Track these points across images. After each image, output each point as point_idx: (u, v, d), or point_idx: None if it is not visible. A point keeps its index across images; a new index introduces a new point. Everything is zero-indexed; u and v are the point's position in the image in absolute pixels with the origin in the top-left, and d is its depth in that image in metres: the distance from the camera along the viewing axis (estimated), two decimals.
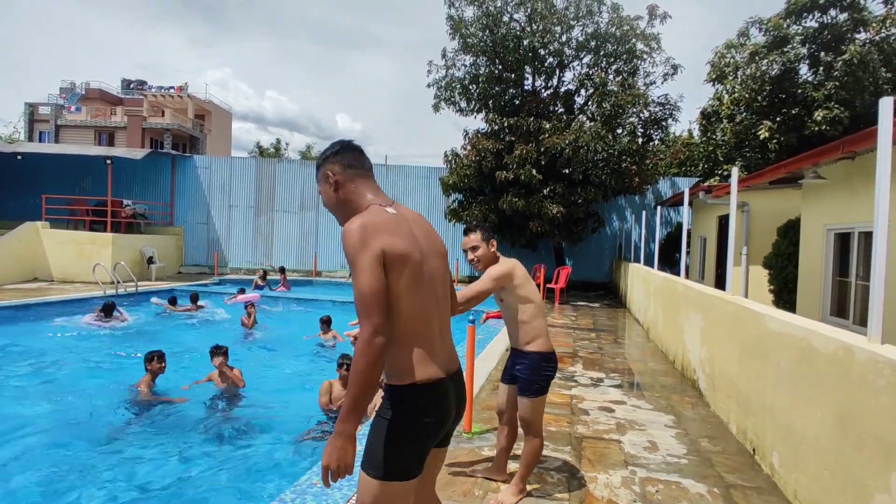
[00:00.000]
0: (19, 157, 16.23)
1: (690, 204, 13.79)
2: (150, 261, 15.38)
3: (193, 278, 15.91)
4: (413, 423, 1.68)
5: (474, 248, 3.03)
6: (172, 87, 41.47)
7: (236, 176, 18.34)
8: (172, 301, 10.70)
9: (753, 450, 3.84)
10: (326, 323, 8.51)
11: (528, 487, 3.19)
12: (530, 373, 3.00)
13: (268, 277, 14.06)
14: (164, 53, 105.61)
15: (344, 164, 1.84)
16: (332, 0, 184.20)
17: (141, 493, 3.72)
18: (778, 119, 14.16)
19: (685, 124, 41.22)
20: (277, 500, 2.88)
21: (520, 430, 3.18)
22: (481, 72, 14.62)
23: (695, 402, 5.21)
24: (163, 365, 5.63)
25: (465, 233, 3.11)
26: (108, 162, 15.11)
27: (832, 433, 2.71)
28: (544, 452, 3.76)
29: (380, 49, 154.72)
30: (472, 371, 4.21)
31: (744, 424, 4.09)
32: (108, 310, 9.13)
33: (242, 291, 12.19)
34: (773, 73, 13.90)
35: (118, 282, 12.14)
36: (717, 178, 16.76)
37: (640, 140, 14.37)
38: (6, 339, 7.98)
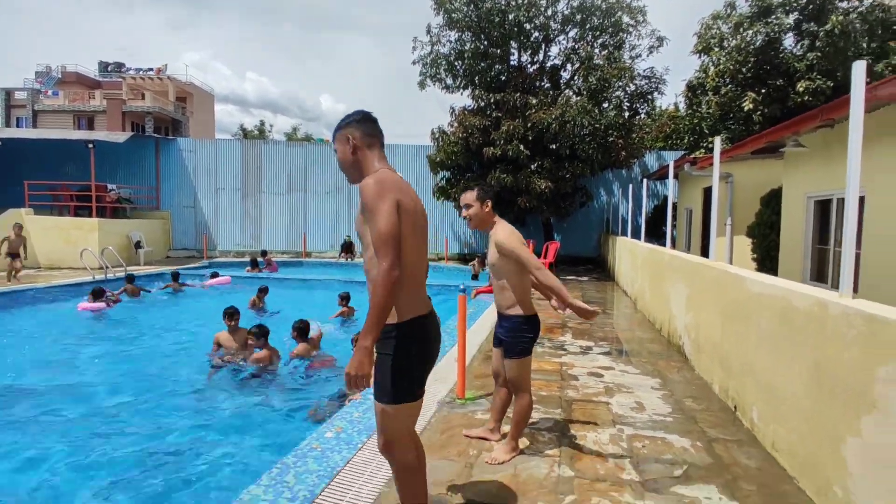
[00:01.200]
0: None
1: (676, 176, 13.94)
2: (138, 245, 15.27)
3: (182, 262, 15.84)
4: (413, 350, 2.03)
5: (468, 206, 3.16)
6: (151, 69, 40.59)
7: (222, 158, 18.15)
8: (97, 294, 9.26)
9: (735, 407, 4.02)
10: (345, 299, 8.71)
11: (521, 446, 3.33)
12: (512, 335, 3.13)
13: (258, 261, 14.02)
14: (142, 35, 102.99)
15: (364, 131, 2.14)
16: None
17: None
18: (762, 91, 14.26)
19: (671, 97, 41.18)
20: (279, 464, 2.98)
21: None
22: (466, 48, 14.49)
23: (680, 366, 5.39)
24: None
25: (463, 189, 3.25)
26: (90, 146, 14.87)
27: (809, 386, 2.86)
28: (536, 415, 3.91)
29: (362, 30, 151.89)
30: (463, 341, 4.32)
31: (726, 384, 4.26)
32: (97, 294, 9.11)
33: (215, 275, 12.26)
34: (758, 43, 13.96)
35: (107, 267, 12.07)
36: (703, 150, 16.91)
37: (626, 114, 14.40)
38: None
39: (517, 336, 3.12)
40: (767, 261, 8.45)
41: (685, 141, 18.98)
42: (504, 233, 3.10)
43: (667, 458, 3.24)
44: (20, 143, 16.84)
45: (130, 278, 10.66)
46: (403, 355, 2.01)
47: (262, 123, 57.42)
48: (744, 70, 14.34)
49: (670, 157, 15.98)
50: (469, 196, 3.16)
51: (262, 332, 5.92)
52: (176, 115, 38.07)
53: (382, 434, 2.10)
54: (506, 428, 3.42)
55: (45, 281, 11.43)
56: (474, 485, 2.89)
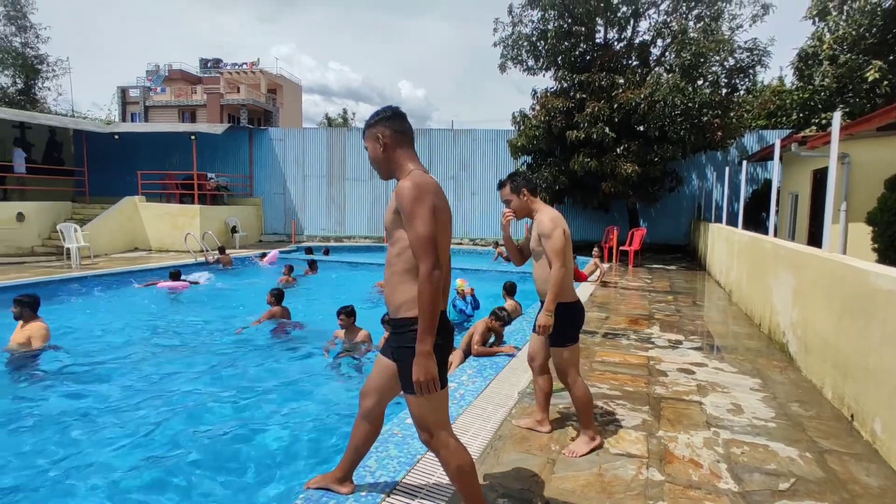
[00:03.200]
0: (116, 137, 17.56)
1: (781, 158, 12.78)
2: (234, 230, 16.36)
3: (273, 246, 16.77)
4: (437, 343, 2.04)
5: (508, 202, 3.23)
6: (245, 64, 43.02)
7: (309, 147, 18.91)
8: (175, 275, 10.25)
9: (851, 416, 3.60)
10: None
11: (606, 444, 3.19)
12: (555, 323, 3.04)
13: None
14: (235, 32, 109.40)
15: (394, 129, 2.18)
16: None
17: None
18: (891, 58, 12.61)
19: (776, 70, 37.59)
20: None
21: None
22: (550, 27, 13.99)
23: (784, 366, 4.93)
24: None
25: (498, 187, 3.27)
26: (193, 137, 16.03)
27: None
28: (621, 411, 3.73)
29: (440, 13, 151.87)
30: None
31: (841, 389, 3.83)
32: (175, 275, 9.87)
33: (265, 255, 13.67)
34: (888, 5, 12.30)
35: (207, 249, 13.03)
36: (814, 128, 15.32)
37: (723, 91, 13.32)
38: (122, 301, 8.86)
39: (559, 324, 3.05)
40: (892, 251, 7.51)
41: (793, 118, 17.30)
42: (546, 216, 3.11)
43: (770, 469, 2.96)
44: (134, 136, 18.50)
45: (222, 249, 12.65)
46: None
47: (345, 112, 59.29)
48: (868, 35, 12.74)
49: (773, 137, 14.62)
50: (505, 192, 3.23)
51: (352, 311, 6.00)
52: (268, 106, 40.21)
53: (422, 428, 2.17)
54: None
55: (156, 262, 12.56)
56: (558, 481, 2.79)
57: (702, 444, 3.26)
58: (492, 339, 5.45)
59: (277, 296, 7.14)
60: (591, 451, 3.09)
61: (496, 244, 14.75)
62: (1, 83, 23.39)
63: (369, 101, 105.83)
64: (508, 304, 7.51)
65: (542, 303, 3.16)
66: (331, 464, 2.94)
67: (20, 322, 5.59)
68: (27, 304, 5.59)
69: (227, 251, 13.51)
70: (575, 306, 3.15)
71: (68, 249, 12.05)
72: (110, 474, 3.43)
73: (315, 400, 4.83)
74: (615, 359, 5.07)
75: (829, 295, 4.20)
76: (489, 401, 3.90)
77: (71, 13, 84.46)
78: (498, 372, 4.58)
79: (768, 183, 14.12)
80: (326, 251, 14.75)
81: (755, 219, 14.23)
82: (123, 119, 40.27)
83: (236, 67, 42.90)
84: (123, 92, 41.02)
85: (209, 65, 45.84)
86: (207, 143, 18.06)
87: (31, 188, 15.35)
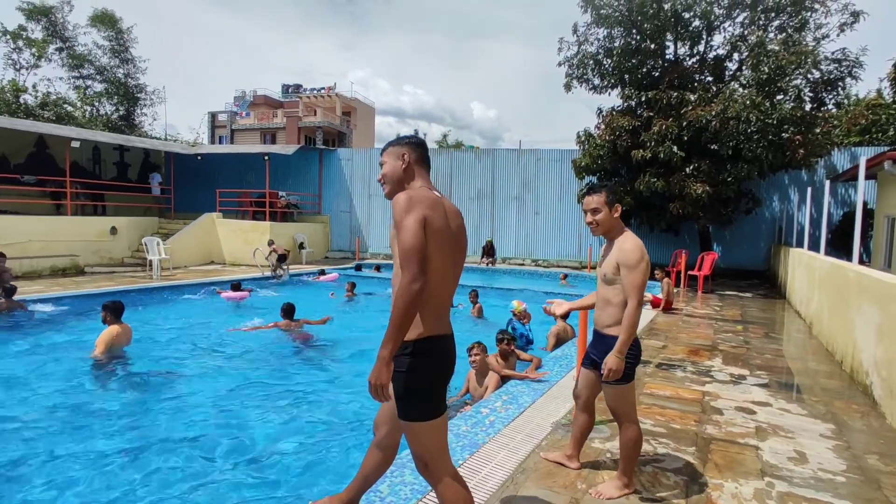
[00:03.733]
0: (199, 158, 18.94)
1: (874, 177, 11.65)
2: (301, 246, 17.02)
3: (338, 262, 17.29)
4: (427, 368, 2.00)
5: (595, 211, 2.83)
6: (323, 88, 45.32)
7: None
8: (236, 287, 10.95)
9: None
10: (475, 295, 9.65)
11: (639, 487, 2.92)
12: None
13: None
14: (315, 59, 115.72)
15: (418, 153, 2.24)
16: None
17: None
18: None
19: (871, 83, 34.51)
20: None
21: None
22: (616, 44, 13.64)
23: (865, 412, 4.37)
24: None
25: (588, 192, 2.88)
26: (266, 158, 16.96)
27: None
28: (662, 450, 3.44)
29: (510, 35, 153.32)
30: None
31: None
32: (236, 287, 10.72)
33: (322, 273, 13.74)
34: None
35: (273, 265, 13.61)
36: None
37: (807, 105, 12.35)
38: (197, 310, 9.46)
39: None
40: None
41: (890, 134, 15.76)
42: (632, 244, 2.74)
43: None
44: (215, 157, 19.85)
45: (283, 258, 13.32)
46: (418, 373, 1.99)
47: (416, 132, 60.71)
48: None
49: (868, 155, 13.36)
50: (597, 199, 2.82)
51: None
52: (342, 127, 42.01)
53: (417, 458, 2.10)
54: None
55: (229, 275, 13.26)
56: None
57: (752, 495, 2.91)
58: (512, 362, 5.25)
59: (286, 310, 7.74)
60: (621, 496, 2.83)
61: (564, 278, 14.34)
62: (106, 110, 25.95)
63: (441, 122, 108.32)
64: (559, 324, 7.24)
65: (599, 333, 2.89)
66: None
67: (108, 325, 6.12)
68: (111, 310, 6.15)
69: (293, 267, 14.08)
70: (636, 343, 2.84)
71: (151, 261, 13.01)
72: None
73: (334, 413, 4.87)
74: (666, 392, 4.71)
75: None
76: (519, 430, 3.71)
77: (171, 45, 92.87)
78: (535, 399, 4.38)
79: (864, 205, 12.90)
80: (377, 268, 15.17)
81: (846, 245, 12.99)
82: (212, 141, 43.47)
83: (314, 92, 45.25)
84: (213, 116, 44.36)
85: (290, 90, 48.69)
86: (280, 163, 19.03)
87: (127, 205, 16.83)
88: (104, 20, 24.63)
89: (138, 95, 26.44)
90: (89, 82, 25.55)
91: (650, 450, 3.48)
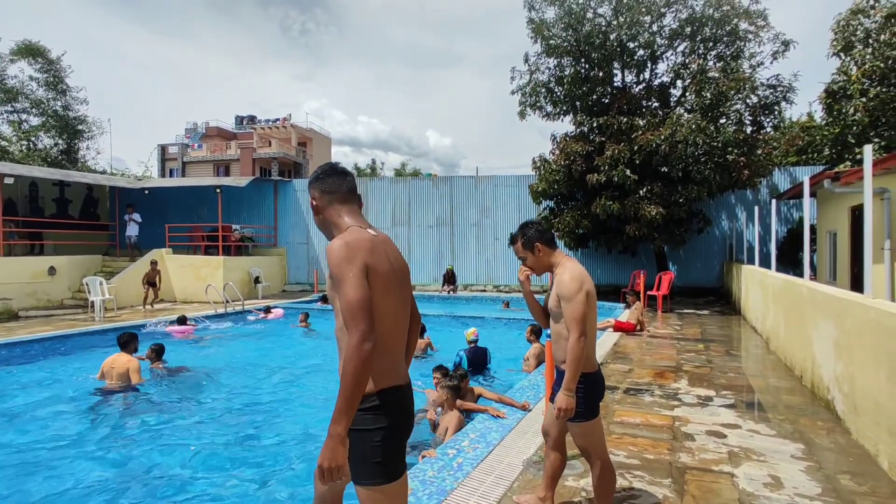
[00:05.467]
0: (146, 192, 18.17)
1: (814, 195, 12.19)
2: (257, 280, 16.42)
3: (296, 296, 16.74)
4: (385, 424, 1.78)
5: (523, 259, 2.88)
6: (278, 119, 44.85)
7: None
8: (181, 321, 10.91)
9: None
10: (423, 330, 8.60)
11: None
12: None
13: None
14: (270, 90, 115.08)
15: (322, 189, 1.99)
16: (418, 24, 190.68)
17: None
18: None
19: (803, 106, 36.84)
20: None
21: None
22: (566, 73, 14.04)
23: (830, 428, 4.38)
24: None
25: (510, 243, 2.90)
26: (218, 191, 16.41)
27: None
28: (637, 485, 3.29)
29: (465, 65, 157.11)
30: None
31: None
32: (181, 320, 10.53)
33: (268, 310, 12.64)
34: None
35: (227, 301, 13.03)
36: (848, 163, 14.68)
37: (748, 129, 12.96)
38: None
39: (578, 398, 2.59)
40: None
41: (825, 154, 16.68)
42: (569, 275, 2.64)
43: None
44: (164, 190, 19.11)
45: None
46: (374, 430, 1.77)
47: (374, 162, 60.84)
48: None
49: (805, 174, 14.06)
50: (517, 248, 2.88)
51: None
52: (297, 158, 41.50)
53: None
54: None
55: (177, 313, 12.57)
56: None
57: None
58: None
59: (157, 350, 7.42)
60: None
61: (507, 304, 14.27)
62: (44, 144, 24.73)
63: (397, 151, 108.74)
64: (535, 347, 7.11)
65: (558, 369, 2.75)
66: None
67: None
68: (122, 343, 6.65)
69: (249, 302, 13.48)
70: (596, 376, 2.70)
71: (93, 302, 12.22)
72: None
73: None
74: (636, 419, 4.60)
75: (875, 347, 3.72)
76: (490, 471, 3.51)
77: (121, 78, 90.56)
78: (504, 436, 4.18)
79: (803, 221, 13.49)
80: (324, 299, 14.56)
81: (793, 259, 13.53)
82: (162, 174, 42.10)
83: (269, 123, 44.71)
84: (163, 149, 43.06)
85: (244, 121, 47.92)
86: (234, 195, 18.49)
87: (67, 242, 15.88)
88: (30, 52, 23.52)
89: (79, 128, 25.33)
90: (24, 116, 24.33)
91: (625, 484, 3.33)
